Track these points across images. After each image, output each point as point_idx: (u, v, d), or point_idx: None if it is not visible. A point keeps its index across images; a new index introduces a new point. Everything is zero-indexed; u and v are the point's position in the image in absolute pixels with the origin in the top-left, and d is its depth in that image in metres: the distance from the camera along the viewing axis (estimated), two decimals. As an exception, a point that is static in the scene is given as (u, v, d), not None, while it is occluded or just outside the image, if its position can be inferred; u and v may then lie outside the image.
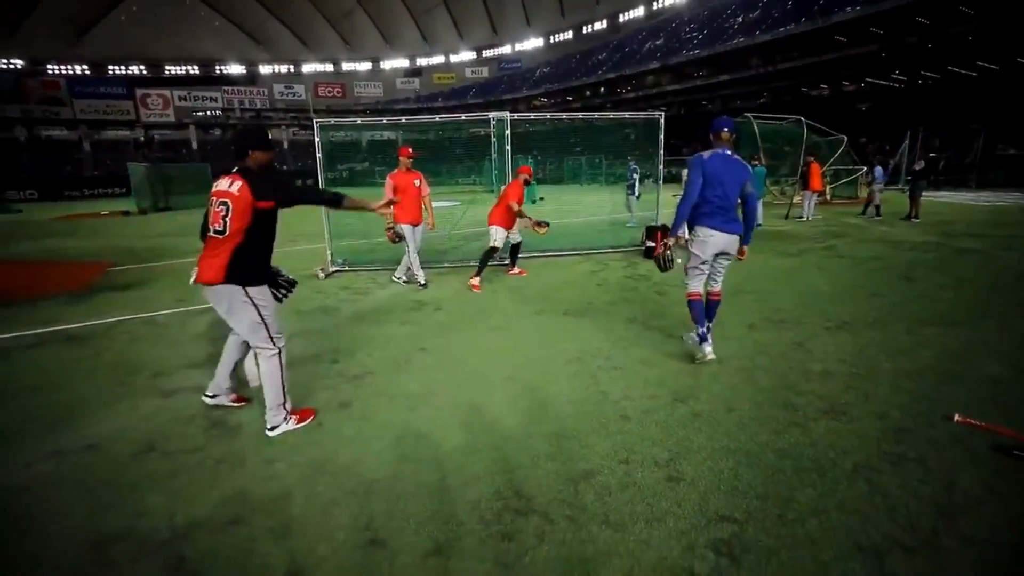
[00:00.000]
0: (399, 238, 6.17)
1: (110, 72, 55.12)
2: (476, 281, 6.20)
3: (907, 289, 5.64)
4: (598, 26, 58.77)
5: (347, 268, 7.50)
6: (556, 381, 3.44)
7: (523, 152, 19.43)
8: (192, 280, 2.77)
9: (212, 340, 4.55)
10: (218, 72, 61.47)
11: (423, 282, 6.34)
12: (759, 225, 10.94)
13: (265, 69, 63.72)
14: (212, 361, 4.02)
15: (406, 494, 2.31)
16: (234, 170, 2.68)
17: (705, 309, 3.77)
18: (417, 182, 6.15)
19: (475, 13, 63.84)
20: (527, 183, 6.53)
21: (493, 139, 7.23)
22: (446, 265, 7.70)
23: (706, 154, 3.62)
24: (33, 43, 49.69)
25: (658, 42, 48.37)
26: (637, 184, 11.61)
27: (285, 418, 2.93)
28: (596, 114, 9.24)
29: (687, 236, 3.76)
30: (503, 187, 6.80)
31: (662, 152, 7.93)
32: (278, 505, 2.27)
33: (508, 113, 7.10)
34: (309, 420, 3.02)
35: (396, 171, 6.08)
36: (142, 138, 54.37)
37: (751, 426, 2.79)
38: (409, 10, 63.91)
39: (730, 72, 38.84)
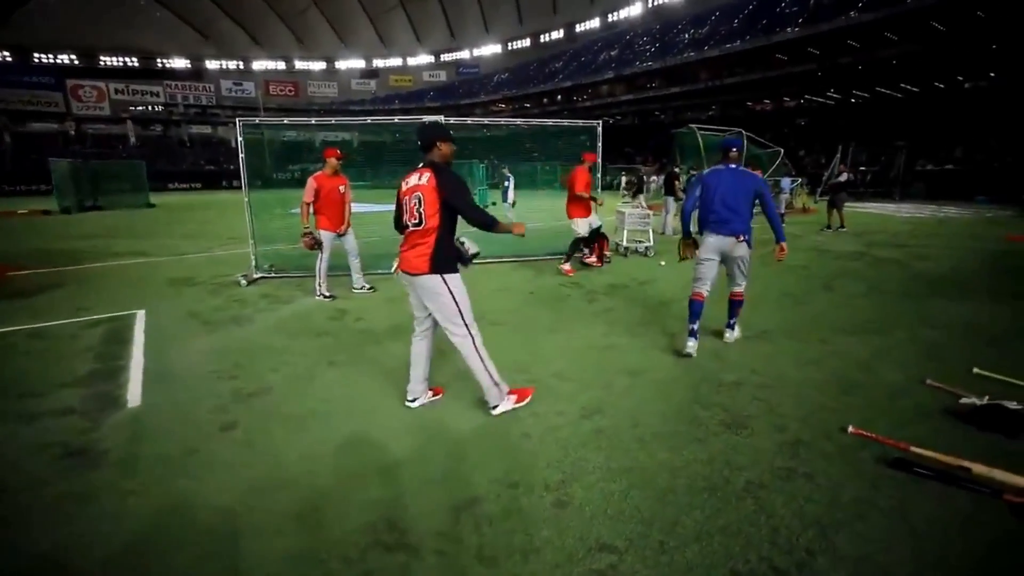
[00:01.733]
0: (317, 245, 5.77)
1: (36, 60, 51.22)
2: (568, 266, 6.97)
3: (828, 297, 5.84)
4: (555, 35, 59.49)
5: (273, 275, 7.10)
6: (462, 396, 3.29)
7: (478, 158, 19.32)
8: (394, 270, 3.00)
9: (100, 356, 4.15)
10: (160, 65, 58.26)
11: (329, 295, 5.85)
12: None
13: (212, 64, 60.89)
14: (95, 377, 3.67)
15: (272, 530, 2.10)
16: (421, 164, 2.85)
17: (728, 308, 4.30)
18: (342, 188, 5.80)
19: (433, 17, 63.36)
20: (590, 169, 6.89)
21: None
22: (380, 272, 7.40)
23: (707, 170, 4.16)
24: (-55, 25, 45.59)
25: (613, 53, 49.43)
26: (511, 190, 11.63)
27: (502, 397, 3.02)
28: (530, 121, 9.14)
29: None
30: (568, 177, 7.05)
31: (600, 160, 7.96)
32: (116, 556, 2.00)
33: (443, 117, 6.93)
34: (528, 399, 3.14)
35: (320, 173, 5.69)
36: (72, 132, 50.76)
37: (652, 443, 2.72)
38: (365, 11, 62.71)
39: (681, 84, 40.11)
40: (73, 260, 8.65)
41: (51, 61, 52.20)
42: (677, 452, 2.62)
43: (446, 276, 2.83)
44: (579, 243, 7.07)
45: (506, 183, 11.64)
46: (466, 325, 2.91)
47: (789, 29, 32.35)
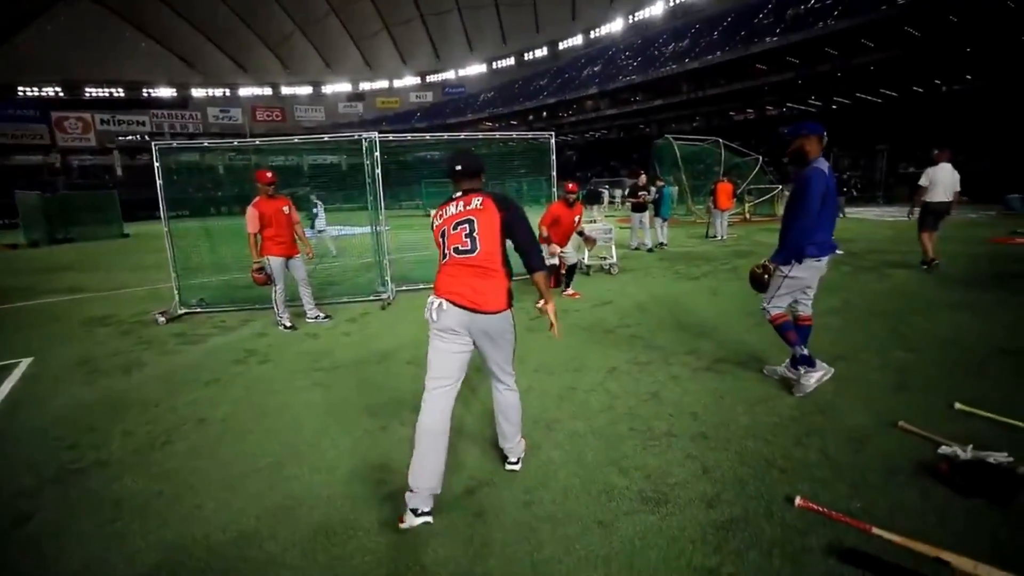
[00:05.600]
0: (270, 280, 5.34)
1: (20, 93, 51.14)
2: (571, 291, 6.58)
3: (796, 316, 5.27)
4: (539, 53, 59.97)
5: (200, 310, 6.51)
6: (339, 464, 2.69)
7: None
8: (433, 310, 2.25)
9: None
10: (145, 95, 58.31)
11: (289, 324, 5.51)
12: (663, 245, 10.75)
13: (198, 92, 61.02)
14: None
15: None
16: (462, 192, 2.42)
17: (800, 335, 3.41)
18: (286, 208, 5.41)
19: (418, 39, 63.88)
20: (567, 203, 6.44)
21: (365, 162, 6.51)
22: (335, 300, 6.83)
23: (815, 167, 3.13)
24: (-73, 62, 45.55)
25: (596, 68, 49.68)
26: (321, 218, 10.99)
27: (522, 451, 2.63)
28: (480, 135, 8.69)
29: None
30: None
31: (554, 173, 7.48)
32: None
33: (376, 134, 6.42)
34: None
35: (258, 199, 5.27)
36: (57, 164, 50.48)
37: (541, 531, 2.12)
38: (350, 35, 63.19)
39: (664, 97, 40.18)
40: (24, 296, 8.11)
41: (36, 94, 52.11)
42: (569, 546, 2.02)
43: (512, 309, 2.41)
44: (572, 270, 6.74)
45: (315, 210, 10.95)
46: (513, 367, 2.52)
47: (767, 39, 32.48)
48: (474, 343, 2.33)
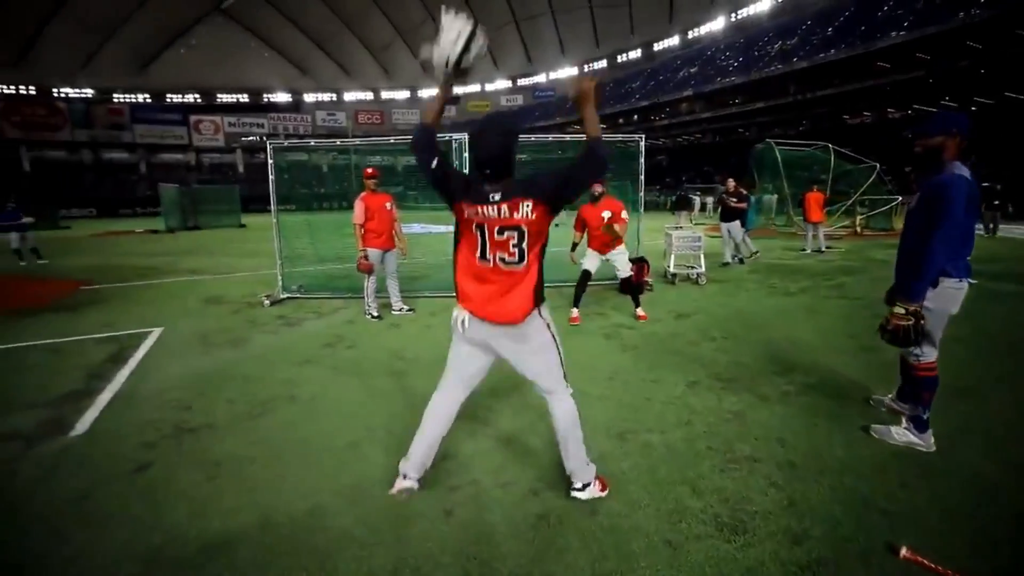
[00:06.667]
0: (373, 267, 5.71)
1: (168, 100, 58.95)
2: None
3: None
4: (633, 55, 58.61)
5: (300, 295, 7.09)
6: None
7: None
8: (461, 324, 2.19)
9: (90, 375, 4.14)
10: (265, 100, 64.74)
11: (376, 314, 5.86)
12: (757, 253, 9.95)
13: (309, 97, 66.65)
14: (66, 399, 3.58)
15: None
16: (499, 194, 2.02)
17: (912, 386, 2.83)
18: (389, 204, 5.78)
19: (510, 43, 65.02)
20: (592, 197, 5.42)
21: (455, 162, 6.74)
22: (418, 294, 7.15)
23: (966, 172, 2.53)
24: (101, 74, 53.77)
25: (692, 70, 47.60)
26: None
27: (592, 476, 2.35)
28: (567, 137, 8.60)
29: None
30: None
31: (642, 177, 7.25)
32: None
33: (466, 135, 6.59)
34: (606, 492, 2.37)
35: (365, 193, 5.70)
36: (193, 161, 57.69)
37: (604, 542, 2.05)
38: (447, 41, 65.84)
39: (766, 99, 37.60)
40: (139, 276, 9.31)
41: (179, 100, 59.78)
42: (629, 565, 1.93)
43: (543, 310, 2.19)
44: (584, 281, 5.62)
45: None
46: (566, 376, 2.28)
47: (893, 33, 29.26)
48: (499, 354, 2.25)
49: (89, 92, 54.02)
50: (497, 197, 2.01)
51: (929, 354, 2.70)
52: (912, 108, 31.69)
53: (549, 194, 2.02)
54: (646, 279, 6.98)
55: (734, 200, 9.13)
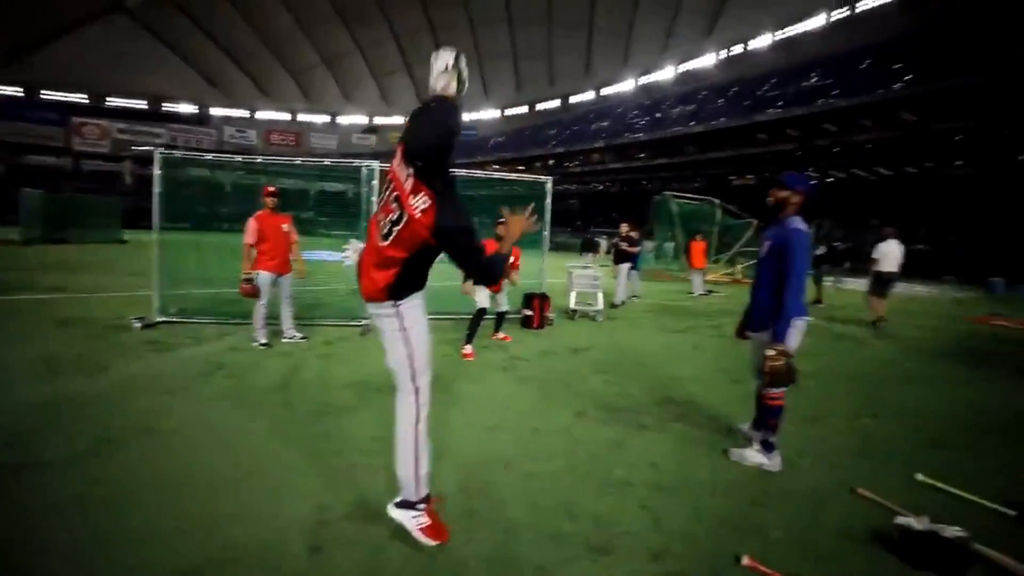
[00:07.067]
0: (256, 292, 5.32)
1: (43, 97, 52.51)
2: (469, 348, 5.48)
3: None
4: (551, 104, 62.25)
5: (179, 319, 6.44)
6: (283, 487, 2.59)
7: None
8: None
9: None
10: (166, 109, 59.90)
11: (264, 341, 5.45)
12: (636, 297, 10.58)
13: (217, 111, 62.74)
14: None
15: None
16: None
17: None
18: (286, 227, 5.51)
19: (435, 81, 66.35)
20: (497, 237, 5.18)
21: (362, 190, 6.64)
22: (316, 322, 6.77)
23: (804, 226, 2.99)
24: (-41, 61, 46.97)
25: (604, 124, 51.46)
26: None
27: (419, 510, 2.16)
28: (482, 173, 8.85)
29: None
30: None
31: (548, 217, 7.61)
32: None
33: (377, 163, 6.57)
34: (431, 542, 2.13)
35: (261, 211, 5.39)
36: (70, 167, 51.30)
37: (477, 571, 2.03)
38: (371, 71, 65.68)
39: (668, 156, 41.46)
40: None
41: (57, 98, 53.42)
42: (499, 589, 1.93)
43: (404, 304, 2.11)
44: (478, 317, 5.66)
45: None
46: (414, 384, 2.14)
47: (768, 110, 33.88)
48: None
49: (-61, 79, 46.79)
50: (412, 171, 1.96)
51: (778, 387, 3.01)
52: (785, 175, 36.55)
53: (443, 231, 1.94)
54: (548, 314, 7.23)
55: (625, 244, 9.75)
